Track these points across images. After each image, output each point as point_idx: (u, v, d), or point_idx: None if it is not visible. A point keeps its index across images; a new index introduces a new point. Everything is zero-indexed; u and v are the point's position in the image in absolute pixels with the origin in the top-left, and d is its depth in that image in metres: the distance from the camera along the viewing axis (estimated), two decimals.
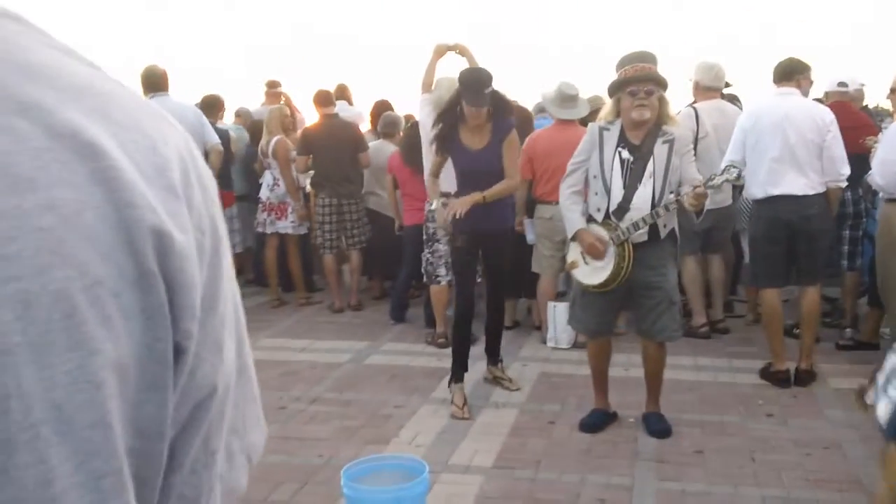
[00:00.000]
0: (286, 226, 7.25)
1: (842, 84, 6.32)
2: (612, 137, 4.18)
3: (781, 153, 4.99)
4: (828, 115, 5.05)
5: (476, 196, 4.65)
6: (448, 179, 5.08)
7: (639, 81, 4.07)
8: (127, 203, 0.50)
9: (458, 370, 4.89)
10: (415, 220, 6.34)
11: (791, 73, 5.23)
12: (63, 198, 0.47)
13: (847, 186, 5.35)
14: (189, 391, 0.55)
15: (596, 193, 4.24)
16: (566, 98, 5.95)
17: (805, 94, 5.35)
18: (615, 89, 4.17)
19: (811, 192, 5.02)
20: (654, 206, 4.09)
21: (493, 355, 5.26)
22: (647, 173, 4.11)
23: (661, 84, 4.16)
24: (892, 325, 5.55)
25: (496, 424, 4.60)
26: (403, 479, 3.17)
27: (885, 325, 5.79)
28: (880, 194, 5.35)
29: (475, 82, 4.65)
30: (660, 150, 4.12)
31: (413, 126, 6.41)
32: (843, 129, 5.10)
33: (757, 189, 5.12)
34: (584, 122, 6.10)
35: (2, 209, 0.45)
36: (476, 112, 4.63)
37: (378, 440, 4.36)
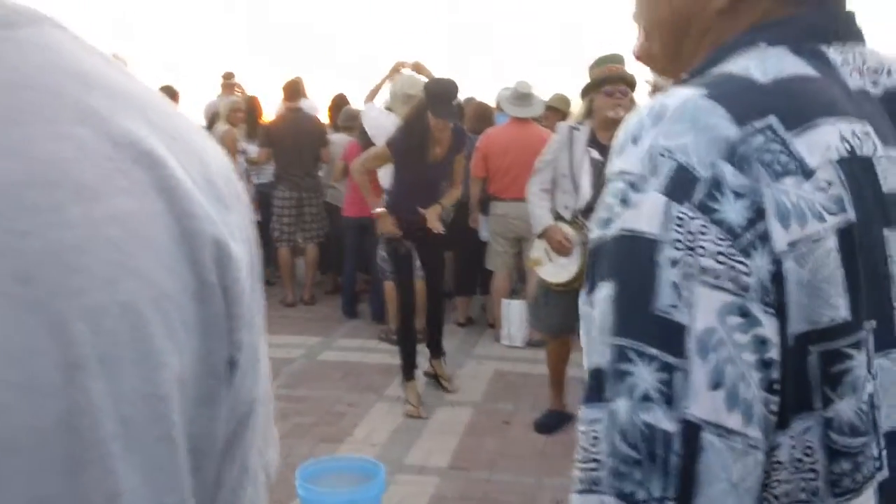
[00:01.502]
0: None
1: None
2: (581, 137, 4.20)
3: None
4: None
5: (438, 209, 4.76)
6: (384, 176, 5.07)
7: (615, 81, 4.10)
8: (187, 213, 0.49)
9: (409, 368, 4.86)
10: (355, 213, 6.36)
11: None
12: (127, 208, 0.46)
13: None
14: (234, 406, 0.54)
15: (565, 192, 4.25)
16: (521, 96, 5.97)
17: None
18: (589, 90, 4.19)
19: None
20: None
21: (436, 348, 5.21)
22: None
23: (633, 86, 4.23)
24: None
25: (451, 423, 4.58)
26: (359, 481, 3.13)
27: None
28: None
29: (444, 93, 4.59)
30: None
31: None
32: None
33: None
34: (537, 120, 6.15)
35: (70, 219, 0.44)
36: (443, 124, 4.59)
37: (332, 438, 4.32)
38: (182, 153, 0.51)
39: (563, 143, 4.26)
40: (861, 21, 0.88)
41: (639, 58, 0.99)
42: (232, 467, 0.56)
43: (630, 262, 0.72)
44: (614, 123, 4.12)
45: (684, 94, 0.75)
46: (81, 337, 0.43)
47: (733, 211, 0.70)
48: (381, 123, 5.56)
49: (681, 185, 0.71)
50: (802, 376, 0.72)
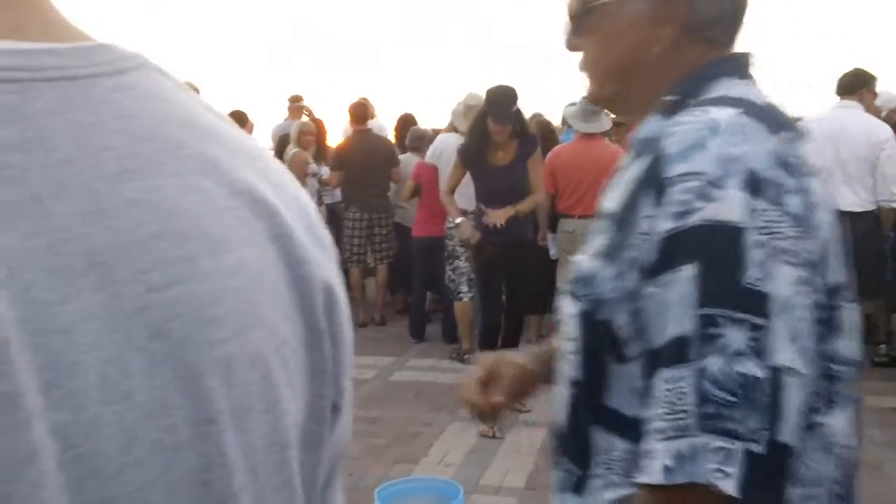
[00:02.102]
0: None
1: None
2: None
3: (832, 167, 4.90)
4: (885, 133, 4.97)
5: (510, 210, 4.76)
6: (463, 197, 5.08)
7: None
8: (299, 260, 0.50)
9: None
10: (423, 232, 6.40)
11: (853, 87, 5.14)
12: (250, 257, 0.47)
13: None
14: (333, 450, 0.54)
15: None
16: (589, 112, 5.91)
17: (868, 106, 5.24)
18: None
19: (859, 209, 4.92)
20: None
21: None
22: None
23: None
24: None
25: (526, 443, 4.53)
26: (439, 502, 3.10)
27: None
28: None
29: (502, 99, 4.73)
30: None
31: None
32: None
33: None
34: (605, 134, 6.09)
35: (202, 271, 0.44)
36: (501, 129, 4.70)
37: (407, 459, 4.31)
38: (287, 200, 0.52)
39: None
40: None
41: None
42: None
43: (719, 245, 0.88)
44: None
45: (727, 112, 0.95)
46: (215, 391, 0.44)
47: (796, 204, 0.90)
48: (441, 146, 5.77)
49: (754, 184, 0.89)
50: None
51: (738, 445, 0.85)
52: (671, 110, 1.02)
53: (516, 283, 5.07)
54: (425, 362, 6.18)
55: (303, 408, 0.49)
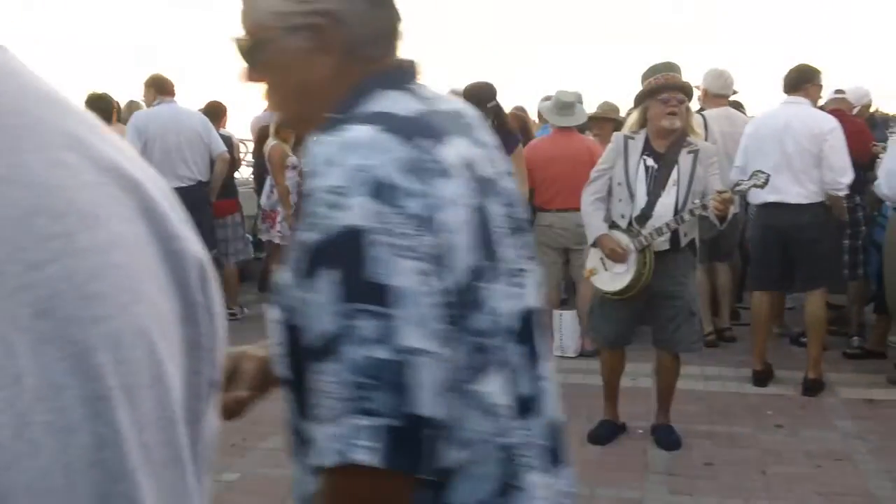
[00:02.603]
0: (274, 235, 7.11)
1: (838, 91, 6.32)
2: (637, 146, 4.18)
3: (778, 162, 4.99)
4: (827, 124, 5.04)
5: None
6: None
7: (671, 89, 4.10)
8: (170, 235, 0.49)
9: None
10: None
11: (798, 84, 5.22)
12: (124, 233, 0.46)
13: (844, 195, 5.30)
14: (208, 426, 0.53)
15: (620, 200, 4.22)
16: (563, 105, 5.94)
17: (815, 100, 5.32)
18: (644, 97, 4.18)
19: (805, 201, 5.03)
20: (676, 213, 4.10)
21: None
22: (670, 181, 4.12)
23: (689, 95, 4.23)
24: None
25: None
26: None
27: (893, 334, 5.77)
28: (887, 202, 5.35)
29: (478, 94, 4.75)
30: (684, 159, 4.13)
31: None
32: None
33: (754, 195, 5.11)
34: (581, 129, 6.12)
35: (81, 246, 0.43)
36: None
37: None
38: (149, 176, 0.50)
39: (618, 151, 4.24)
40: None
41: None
42: (203, 490, 0.55)
43: (351, 247, 0.99)
44: (670, 132, 4.10)
45: (364, 129, 1.06)
46: (104, 367, 0.42)
47: (418, 206, 1.02)
48: None
49: (379, 191, 1.01)
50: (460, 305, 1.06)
51: (379, 422, 0.96)
52: (328, 128, 1.11)
53: None
54: None
55: (182, 384, 0.49)
